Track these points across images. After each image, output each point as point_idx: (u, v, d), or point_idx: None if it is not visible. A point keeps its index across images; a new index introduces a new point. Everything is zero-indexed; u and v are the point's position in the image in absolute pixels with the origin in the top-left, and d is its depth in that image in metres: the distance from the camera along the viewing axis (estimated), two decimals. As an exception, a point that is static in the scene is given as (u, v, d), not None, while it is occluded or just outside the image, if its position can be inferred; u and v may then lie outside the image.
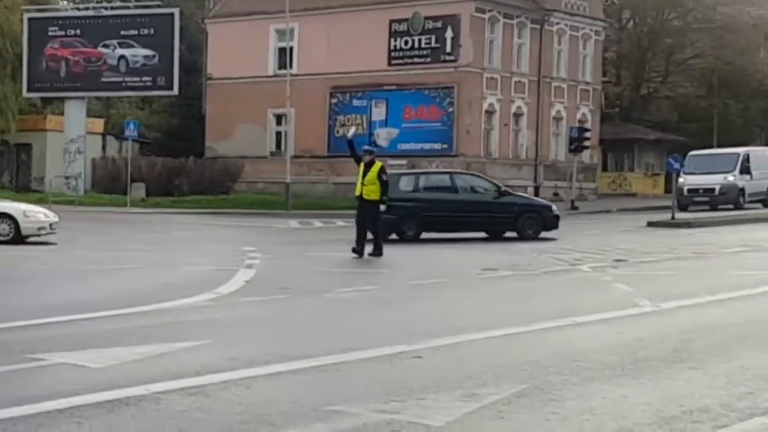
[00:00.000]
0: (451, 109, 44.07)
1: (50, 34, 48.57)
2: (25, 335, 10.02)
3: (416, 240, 24.86)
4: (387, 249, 20.53)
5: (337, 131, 46.00)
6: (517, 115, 47.03)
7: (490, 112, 45.60)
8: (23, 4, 50.36)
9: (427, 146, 44.39)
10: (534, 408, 7.07)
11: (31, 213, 23.65)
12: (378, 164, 20.89)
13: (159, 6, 50.60)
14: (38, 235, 23.37)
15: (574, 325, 10.93)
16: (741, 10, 59.82)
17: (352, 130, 25.15)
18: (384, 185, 20.65)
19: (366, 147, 22.27)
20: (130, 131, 42.67)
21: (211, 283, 14.69)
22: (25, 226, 23.20)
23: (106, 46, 48.07)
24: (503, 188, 27.16)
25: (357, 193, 20.90)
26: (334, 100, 46.77)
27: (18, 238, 23.02)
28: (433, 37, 44.37)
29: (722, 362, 8.82)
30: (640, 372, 8.28)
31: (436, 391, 7.44)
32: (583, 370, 8.28)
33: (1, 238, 22.93)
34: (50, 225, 23.55)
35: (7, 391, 7.45)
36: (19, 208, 23.72)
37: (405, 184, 25.95)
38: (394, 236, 24.68)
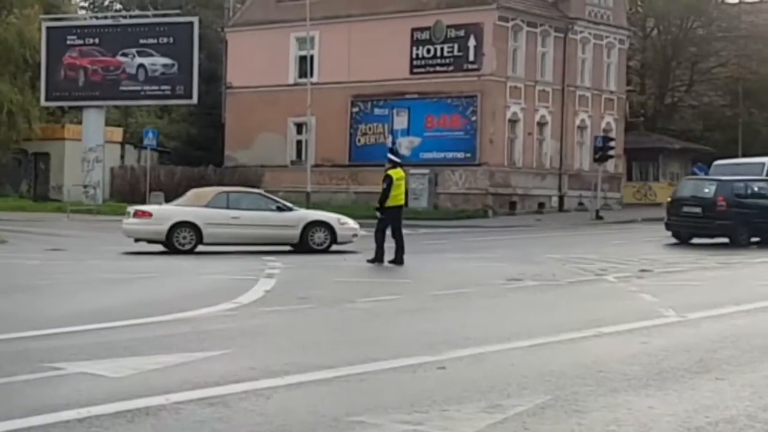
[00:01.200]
0: (474, 118, 43.96)
1: (69, 42, 48.69)
2: (43, 344, 9.97)
3: (747, 245, 25.89)
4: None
5: (359, 140, 45.94)
6: (541, 124, 46.89)
7: (513, 121, 45.48)
8: (41, 12, 50.52)
9: (449, 155, 44.28)
10: (559, 419, 6.98)
11: (344, 221, 24.53)
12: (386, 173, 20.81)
13: (178, 14, 50.70)
14: (351, 242, 24.22)
15: (599, 335, 10.83)
16: (766, 19, 59.61)
17: (390, 138, 25.13)
18: (382, 193, 20.63)
19: (388, 155, 22.14)
20: (149, 140, 42.74)
21: (230, 292, 14.59)
22: (341, 233, 24.06)
23: (124, 54, 48.15)
24: None
25: None
26: (355, 109, 46.71)
27: (332, 245, 23.86)
28: (456, 46, 44.28)
29: (748, 373, 8.72)
30: (666, 383, 8.18)
31: (459, 402, 7.35)
32: (608, 381, 8.19)
33: (317, 247, 23.70)
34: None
35: (26, 400, 7.40)
36: (334, 218, 24.65)
37: (738, 192, 27.30)
38: (726, 240, 26.43)
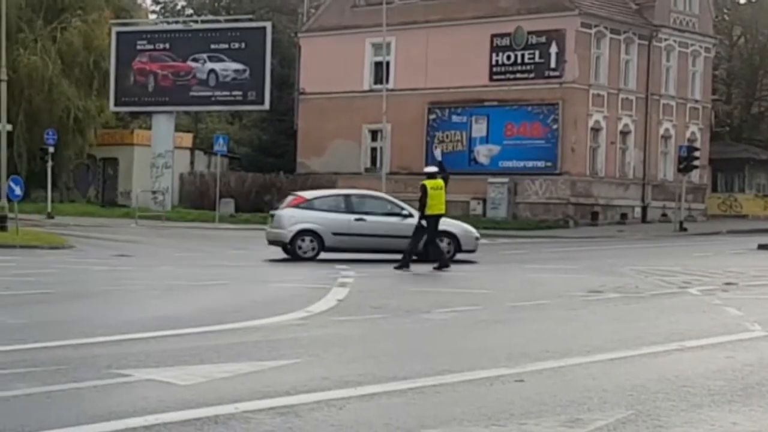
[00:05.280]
0: (555, 126, 43.52)
1: (138, 47, 48.91)
2: (110, 350, 9.94)
3: None
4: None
5: (435, 148, 45.68)
6: (624, 133, 46.32)
7: (596, 130, 44.96)
8: (110, 18, 50.99)
9: (530, 164, 43.87)
10: (641, 435, 6.79)
11: None
12: None
13: (250, 20, 50.75)
14: None
15: (682, 349, 10.58)
16: None
17: (438, 151, 25.42)
18: (419, 203, 21.60)
19: (425, 168, 23.12)
20: (220, 146, 42.76)
21: (302, 301, 14.50)
22: None
23: (195, 59, 48.21)
24: None
25: None
26: (432, 116, 46.45)
27: None
28: (537, 53, 43.86)
29: (837, 389, 8.43)
30: (751, 398, 7.97)
31: (538, 415, 7.18)
32: (691, 396, 7.98)
33: None
34: None
35: (93, 407, 7.35)
36: None
37: None
38: None
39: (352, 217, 23.66)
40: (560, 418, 7.11)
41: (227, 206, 44.24)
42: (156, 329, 11.40)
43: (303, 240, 23.57)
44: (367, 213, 24.09)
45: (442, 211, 21.68)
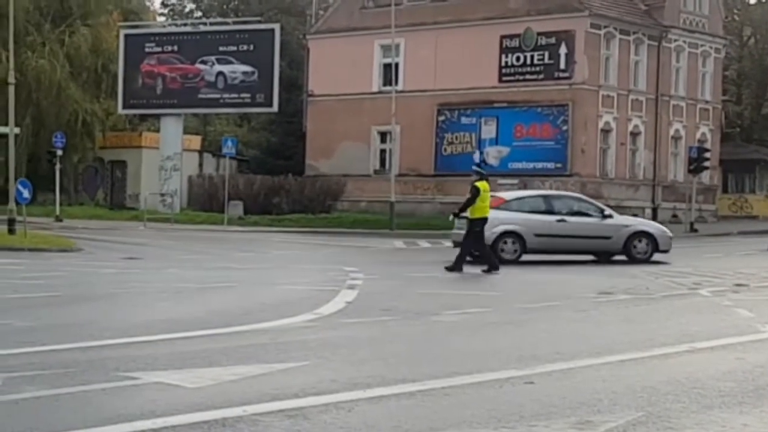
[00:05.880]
0: (565, 128, 43.43)
1: (147, 50, 48.73)
2: (118, 353, 9.92)
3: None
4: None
5: (445, 149, 45.58)
6: (634, 134, 46.22)
7: (606, 131, 44.87)
8: (119, 20, 50.97)
9: (539, 165, 43.79)
10: (651, 437, 6.77)
11: None
12: None
13: (259, 21, 50.65)
14: None
15: (693, 350, 10.56)
16: None
17: (477, 153, 25.30)
18: (466, 201, 21.47)
19: (474, 167, 22.66)
20: (228, 148, 42.68)
21: (311, 303, 14.47)
22: None
23: (203, 62, 48.03)
24: None
25: None
26: (441, 118, 46.35)
27: None
28: (546, 54, 43.77)
29: None
30: (761, 399, 7.97)
31: (548, 417, 7.16)
32: (701, 398, 7.97)
33: None
34: None
35: (101, 410, 7.34)
36: None
37: None
38: None
39: (554, 218, 23.28)
40: (570, 420, 7.10)
41: (236, 209, 44.17)
42: (164, 332, 11.40)
43: (506, 242, 23.49)
44: (566, 214, 24.02)
45: (488, 214, 21.59)
